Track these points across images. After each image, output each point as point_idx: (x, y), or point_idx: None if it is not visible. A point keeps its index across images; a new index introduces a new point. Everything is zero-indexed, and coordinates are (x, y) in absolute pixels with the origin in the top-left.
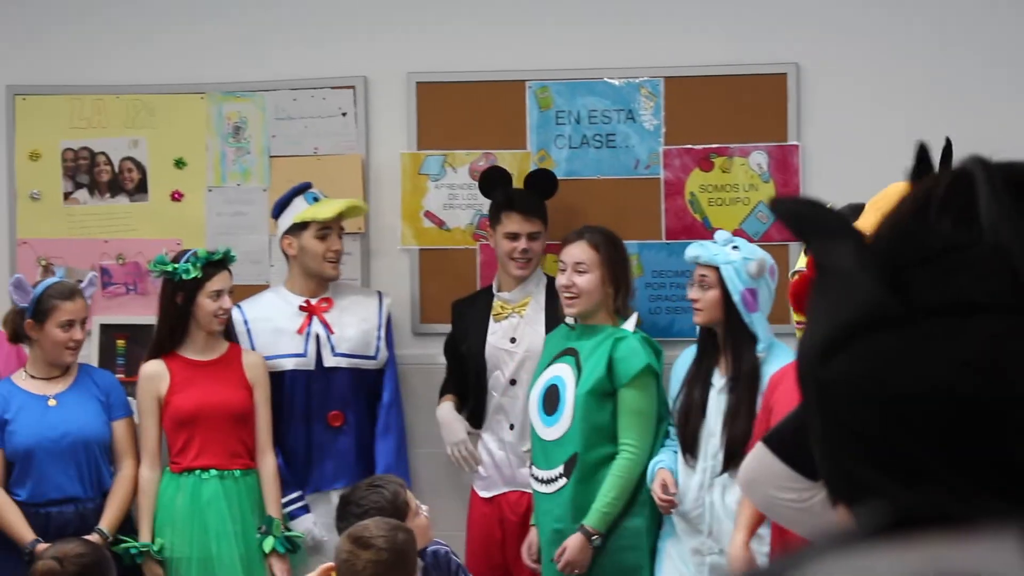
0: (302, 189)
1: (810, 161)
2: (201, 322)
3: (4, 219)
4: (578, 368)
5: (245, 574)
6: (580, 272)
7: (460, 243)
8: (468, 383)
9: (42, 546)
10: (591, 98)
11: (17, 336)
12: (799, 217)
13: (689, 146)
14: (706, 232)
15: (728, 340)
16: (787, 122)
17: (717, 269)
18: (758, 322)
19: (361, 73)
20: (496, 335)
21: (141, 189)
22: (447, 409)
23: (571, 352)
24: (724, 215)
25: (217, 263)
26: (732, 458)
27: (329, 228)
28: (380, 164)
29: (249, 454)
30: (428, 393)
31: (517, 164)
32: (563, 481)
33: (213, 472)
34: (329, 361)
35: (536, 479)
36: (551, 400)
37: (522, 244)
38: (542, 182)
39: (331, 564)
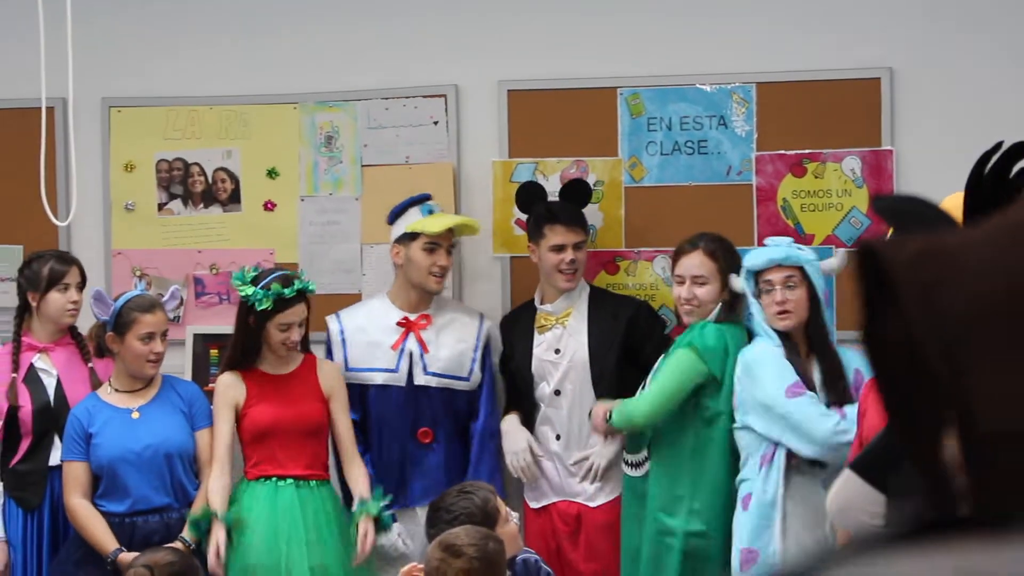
0: (420, 200)
1: (905, 166)
2: (271, 346)
3: (99, 230)
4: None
5: None
6: (700, 284)
7: None
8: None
9: (127, 555)
10: (682, 104)
11: (101, 350)
12: (899, 213)
13: (781, 152)
14: (799, 238)
15: (815, 339)
16: (881, 127)
17: (801, 269)
18: (830, 321)
19: (452, 81)
20: (541, 347)
21: (234, 199)
22: (511, 420)
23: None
24: (817, 221)
25: (290, 299)
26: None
27: (437, 242)
28: (471, 172)
29: (323, 466)
30: None
31: (608, 171)
32: (648, 465)
33: (290, 480)
34: (420, 379)
35: (626, 463)
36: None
37: (568, 255)
38: (577, 193)
39: (417, 565)
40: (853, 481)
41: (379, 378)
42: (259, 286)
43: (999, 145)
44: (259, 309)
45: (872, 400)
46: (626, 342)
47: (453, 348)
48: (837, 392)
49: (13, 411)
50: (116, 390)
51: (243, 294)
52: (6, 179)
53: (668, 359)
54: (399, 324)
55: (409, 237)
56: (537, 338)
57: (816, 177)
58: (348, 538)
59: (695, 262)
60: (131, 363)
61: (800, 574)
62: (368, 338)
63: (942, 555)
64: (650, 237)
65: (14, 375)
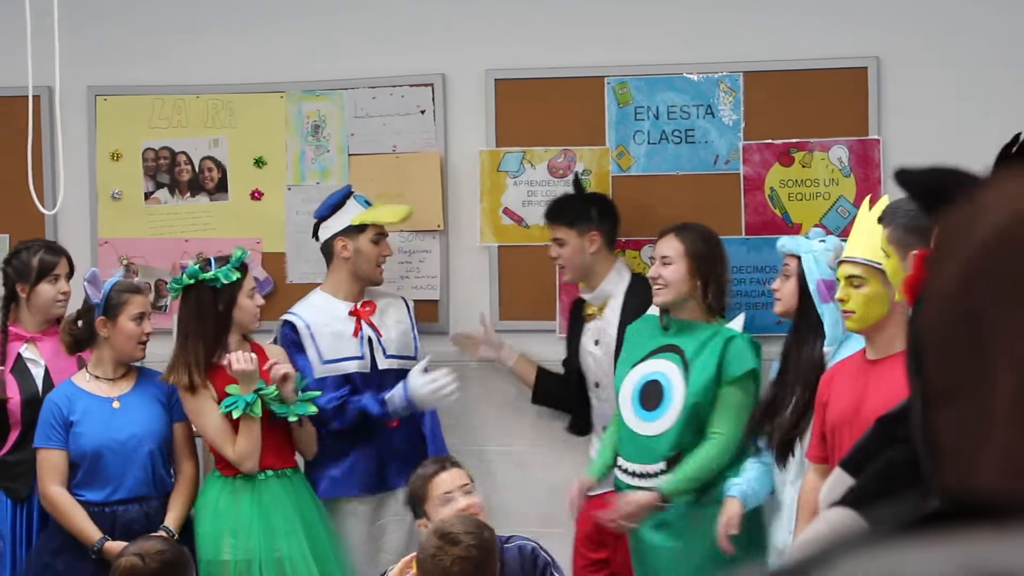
0: (349, 192)
1: (891, 155)
2: (242, 323)
3: (86, 219)
4: (685, 365)
5: (320, 571)
6: (666, 264)
7: (539, 240)
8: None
9: (113, 543)
10: (670, 93)
11: (78, 343)
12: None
13: (769, 141)
14: (786, 227)
15: (797, 331)
16: (868, 116)
17: (799, 258)
18: (828, 314)
19: (439, 70)
20: (585, 336)
21: (221, 188)
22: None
23: (673, 349)
24: (804, 210)
25: (244, 263)
26: (782, 451)
27: (383, 233)
28: (459, 161)
29: (292, 454)
30: (506, 391)
31: (596, 160)
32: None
33: (270, 472)
34: (382, 363)
35: (626, 471)
36: (651, 395)
37: (552, 251)
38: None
39: (412, 555)
40: (843, 480)
41: (352, 366)
42: (214, 268)
43: (1018, 136)
44: (228, 283)
45: (835, 389)
46: None
47: (397, 329)
48: (787, 384)
49: (1, 403)
50: (96, 377)
51: (208, 278)
52: None
53: (731, 391)
54: (351, 314)
55: (356, 229)
56: (585, 327)
57: (803, 166)
58: (328, 523)
59: (665, 244)
60: (123, 345)
61: (807, 566)
62: (331, 329)
63: (949, 545)
64: (637, 226)
65: (1, 367)
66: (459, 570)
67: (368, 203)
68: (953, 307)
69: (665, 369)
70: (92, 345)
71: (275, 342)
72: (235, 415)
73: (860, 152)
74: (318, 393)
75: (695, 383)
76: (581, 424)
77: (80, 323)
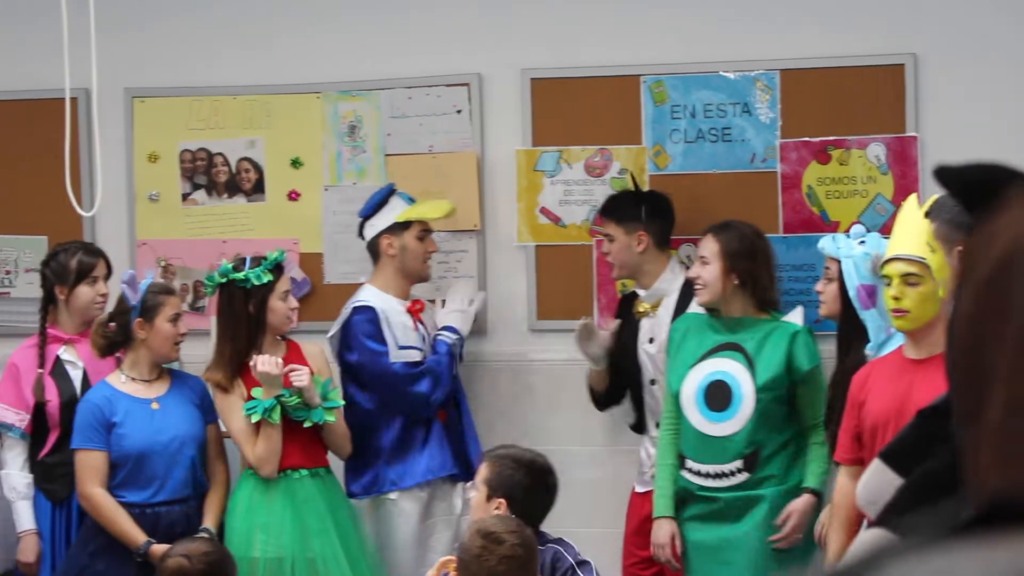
0: (392, 189)
1: (929, 153)
2: (275, 325)
3: (123, 220)
4: (749, 363)
5: (352, 572)
6: (703, 264)
7: (576, 239)
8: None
9: (159, 546)
10: (706, 92)
11: (111, 346)
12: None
13: (806, 139)
14: (824, 225)
15: (842, 335)
16: (905, 113)
17: (840, 262)
18: (870, 319)
19: (475, 70)
20: (641, 333)
21: (258, 189)
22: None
23: (733, 347)
24: (842, 208)
25: (280, 265)
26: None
27: (429, 229)
28: (495, 161)
29: (325, 453)
30: (546, 390)
31: (633, 159)
32: (743, 476)
33: (303, 471)
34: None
35: (697, 473)
36: (717, 395)
37: (603, 246)
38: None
39: (449, 558)
40: (883, 472)
41: (418, 356)
42: (247, 269)
43: None
44: (259, 284)
45: (873, 389)
46: None
47: (436, 328)
48: (835, 390)
49: (40, 406)
50: (132, 379)
51: (239, 278)
52: (31, 170)
53: (806, 388)
54: (408, 310)
55: (401, 227)
56: (640, 324)
57: (841, 164)
58: (359, 524)
59: (703, 244)
60: (160, 346)
61: (857, 570)
62: (397, 319)
63: (999, 550)
64: (675, 225)
65: (40, 370)
66: (505, 570)
67: (411, 200)
68: (969, 331)
69: (729, 368)
70: (125, 347)
71: (343, 330)
72: (253, 419)
73: (898, 149)
74: (341, 402)
75: (763, 379)
76: (641, 419)
77: (113, 325)
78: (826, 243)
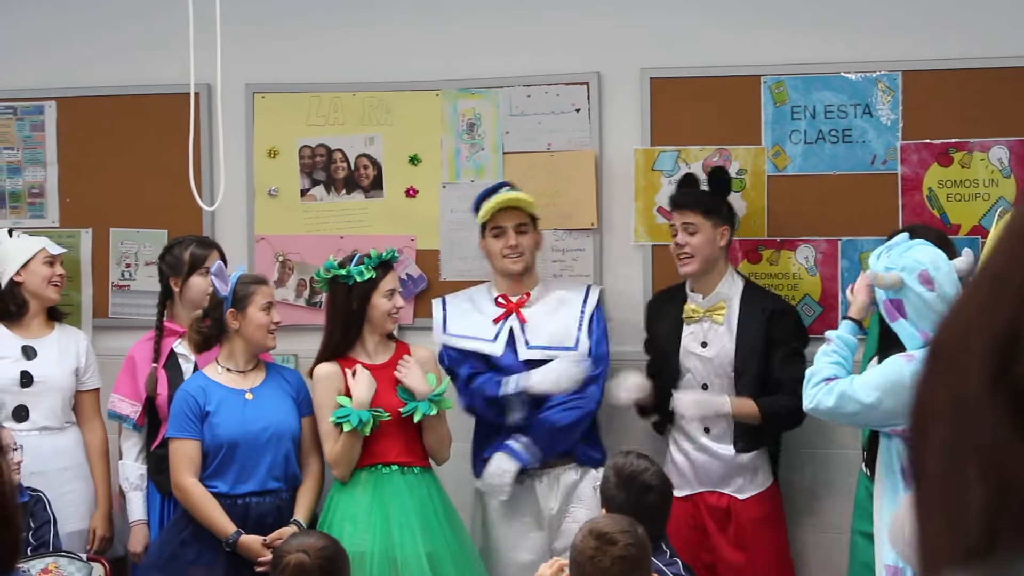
0: (497, 188)
1: None
2: (376, 323)
3: (243, 215)
4: None
5: (432, 572)
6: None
7: None
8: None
9: (247, 537)
10: (827, 93)
11: (207, 341)
12: None
13: (927, 141)
14: (945, 228)
15: (882, 343)
16: None
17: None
18: (901, 330)
19: (595, 69)
20: (689, 337)
21: (376, 186)
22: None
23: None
24: (963, 211)
25: (387, 263)
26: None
27: (501, 226)
28: (613, 160)
29: (425, 454)
30: None
31: (752, 160)
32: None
33: (395, 467)
34: (524, 355)
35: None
36: None
37: (679, 238)
38: (716, 180)
39: (562, 561)
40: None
41: (472, 344)
42: (352, 265)
43: None
44: (362, 281)
45: None
46: (766, 343)
47: (557, 322)
48: None
49: (151, 399)
50: (228, 370)
51: (343, 274)
52: (153, 164)
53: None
54: (499, 304)
55: (482, 228)
56: (685, 328)
57: (963, 167)
58: (456, 525)
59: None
60: (253, 335)
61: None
62: (468, 315)
63: None
64: (793, 226)
65: (155, 364)
66: (619, 570)
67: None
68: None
69: None
70: (221, 341)
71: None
72: (345, 428)
73: (1021, 153)
74: (449, 404)
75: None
76: (667, 417)
77: (207, 320)
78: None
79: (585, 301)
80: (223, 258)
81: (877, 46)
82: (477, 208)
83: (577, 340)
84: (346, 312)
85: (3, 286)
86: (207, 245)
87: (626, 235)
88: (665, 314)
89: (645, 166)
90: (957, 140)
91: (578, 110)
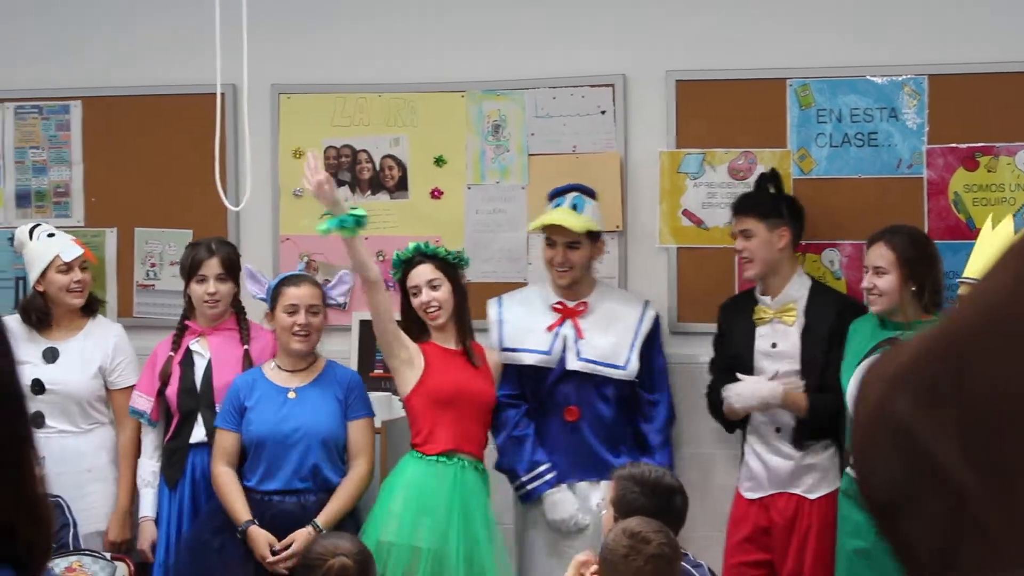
0: (566, 190)
1: None
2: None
3: (268, 216)
4: None
5: (465, 569)
6: (880, 274)
7: (719, 242)
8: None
9: (257, 529)
10: (852, 96)
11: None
12: None
13: (953, 145)
14: (970, 233)
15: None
16: None
17: None
18: None
19: (620, 71)
20: (760, 339)
21: (401, 187)
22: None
23: (894, 343)
24: (989, 215)
25: (407, 260)
26: None
27: (553, 238)
28: (638, 162)
29: (482, 444)
30: (687, 391)
31: (777, 163)
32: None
33: (457, 459)
34: (572, 364)
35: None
36: None
37: (738, 244)
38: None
39: (586, 557)
40: None
41: (529, 359)
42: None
43: None
44: (396, 280)
45: None
46: (831, 341)
47: (610, 338)
48: None
49: (161, 393)
50: (279, 368)
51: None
52: (179, 164)
53: None
54: (555, 309)
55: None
56: (757, 330)
57: (989, 171)
58: (492, 522)
59: (876, 254)
60: (280, 337)
61: None
62: (523, 321)
63: None
64: (819, 229)
65: (171, 354)
66: (652, 569)
67: (559, 206)
68: None
69: None
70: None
71: None
72: (345, 236)
73: None
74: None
75: None
76: (731, 423)
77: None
78: None
79: (641, 320)
80: (225, 264)
81: (903, 50)
82: (550, 199)
83: (628, 360)
84: (407, 308)
85: (29, 291)
86: (209, 251)
87: (651, 238)
88: (738, 317)
89: (670, 169)
90: (983, 144)
91: (603, 112)
